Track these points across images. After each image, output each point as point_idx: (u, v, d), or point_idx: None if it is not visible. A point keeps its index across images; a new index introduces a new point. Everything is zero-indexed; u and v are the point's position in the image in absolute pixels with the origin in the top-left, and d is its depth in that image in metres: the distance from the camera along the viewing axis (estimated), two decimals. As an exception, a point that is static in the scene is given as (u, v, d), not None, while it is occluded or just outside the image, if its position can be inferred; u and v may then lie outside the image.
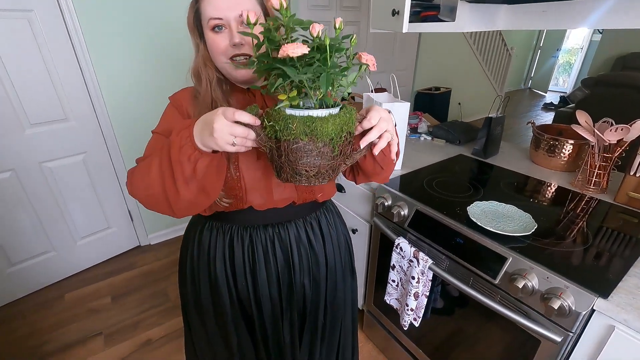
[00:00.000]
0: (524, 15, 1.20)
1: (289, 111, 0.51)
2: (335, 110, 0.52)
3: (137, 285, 1.97)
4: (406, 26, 1.13)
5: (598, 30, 5.41)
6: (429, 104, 3.90)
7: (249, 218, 0.74)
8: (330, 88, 0.52)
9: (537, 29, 1.23)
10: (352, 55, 0.53)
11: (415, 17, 1.32)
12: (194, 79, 0.69)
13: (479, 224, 0.93)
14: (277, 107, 0.52)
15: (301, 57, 0.48)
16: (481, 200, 1.05)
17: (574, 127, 1.11)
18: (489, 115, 1.39)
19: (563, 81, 6.96)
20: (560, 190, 1.17)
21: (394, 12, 1.16)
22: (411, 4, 1.21)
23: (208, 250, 0.77)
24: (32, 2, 1.53)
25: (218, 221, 0.77)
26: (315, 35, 0.49)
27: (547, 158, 1.32)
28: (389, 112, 0.62)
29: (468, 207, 1.01)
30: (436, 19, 1.28)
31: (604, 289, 0.72)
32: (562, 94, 5.85)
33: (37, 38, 1.58)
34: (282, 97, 0.52)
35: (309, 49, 0.47)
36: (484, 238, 0.91)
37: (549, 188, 1.18)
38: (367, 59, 0.54)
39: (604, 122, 1.09)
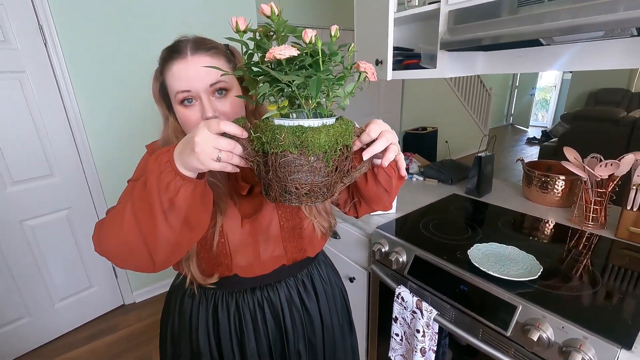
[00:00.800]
0: (501, 61, 1.26)
1: (277, 121, 0.45)
2: (329, 121, 0.47)
3: (120, 350, 1.80)
4: (390, 74, 1.18)
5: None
6: (418, 143, 3.99)
7: (234, 281, 0.68)
8: (325, 97, 0.48)
9: (513, 72, 1.28)
10: (350, 65, 0.50)
11: (398, 65, 1.38)
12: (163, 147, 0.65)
13: (482, 269, 0.88)
14: (265, 117, 0.47)
15: (290, 61, 0.45)
16: (481, 242, 1.01)
17: (564, 163, 1.11)
18: (478, 154, 1.41)
19: (542, 116, 7.30)
20: (559, 227, 1.14)
21: (378, 62, 1.21)
22: (393, 53, 1.27)
23: (190, 320, 0.70)
24: (25, 64, 1.57)
25: (201, 287, 0.70)
26: (307, 41, 0.45)
27: (540, 194, 1.31)
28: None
29: (469, 251, 0.96)
30: (418, 67, 1.34)
31: (626, 339, 0.66)
32: (543, 129, 6.10)
33: (27, 97, 1.59)
34: (271, 107, 0.48)
35: (298, 52, 0.43)
36: (489, 284, 0.85)
37: (548, 225, 1.16)
38: (366, 67, 0.50)
39: (593, 157, 1.09)
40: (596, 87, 4.99)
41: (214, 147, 0.45)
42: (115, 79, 1.80)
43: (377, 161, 0.58)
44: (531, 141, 5.67)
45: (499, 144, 5.64)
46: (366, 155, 0.51)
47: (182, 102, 0.59)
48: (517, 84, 6.96)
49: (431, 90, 4.24)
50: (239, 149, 0.48)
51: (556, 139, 3.54)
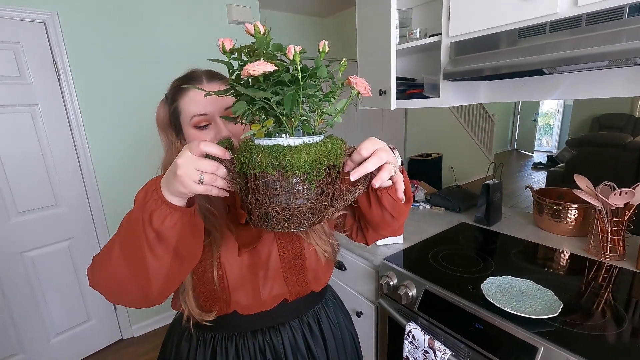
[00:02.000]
0: (503, 89, 1.27)
1: (257, 141, 0.44)
2: (313, 139, 0.44)
3: (115, 390, 1.71)
4: (394, 104, 1.18)
5: (569, 95, 5.87)
6: (423, 169, 3.98)
7: (234, 324, 0.64)
8: (312, 115, 0.46)
9: (516, 100, 1.29)
10: (342, 82, 0.48)
11: (401, 95, 1.39)
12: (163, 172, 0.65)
13: (497, 305, 0.83)
14: (244, 135, 0.45)
15: (268, 77, 0.43)
16: (494, 275, 0.96)
17: (576, 192, 1.08)
18: (486, 182, 1.38)
19: (546, 141, 7.29)
20: (575, 258, 1.09)
21: (381, 92, 1.22)
22: (397, 83, 1.29)
23: None
24: (38, 97, 1.61)
25: (199, 329, 0.66)
26: (291, 57, 0.44)
27: (553, 223, 1.27)
28: (393, 148, 0.55)
29: (482, 285, 0.91)
30: (422, 96, 1.35)
31: (663, 387, 0.60)
32: (548, 154, 6.06)
33: (37, 129, 1.63)
34: (255, 127, 0.46)
35: (274, 68, 0.41)
36: (506, 322, 0.80)
37: (563, 256, 1.11)
38: (357, 82, 0.48)
39: (606, 185, 1.06)
40: (599, 112, 5.00)
41: (196, 169, 0.43)
42: (125, 113, 1.85)
43: (385, 183, 0.54)
44: (537, 166, 5.62)
45: (505, 170, 5.59)
46: (353, 175, 0.47)
47: (197, 125, 0.60)
48: (519, 110, 7.04)
49: (434, 117, 4.30)
50: (222, 170, 0.46)
51: (563, 164, 3.51)
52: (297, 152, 0.42)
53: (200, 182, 0.44)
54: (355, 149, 0.49)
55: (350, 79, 0.49)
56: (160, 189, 0.47)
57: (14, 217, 1.61)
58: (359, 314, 1.28)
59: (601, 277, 0.97)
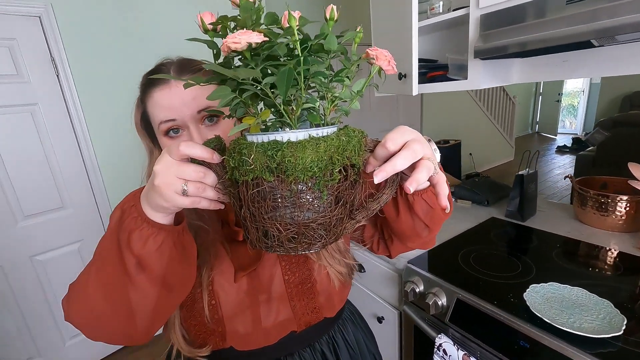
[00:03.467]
0: (542, 67, 1.11)
1: (249, 137, 0.34)
2: (321, 132, 0.34)
3: (131, 392, 1.69)
4: (416, 89, 1.05)
5: (596, 73, 5.51)
6: (441, 157, 3.81)
7: (233, 356, 0.55)
8: (320, 100, 0.36)
9: (557, 79, 1.13)
10: (358, 57, 0.37)
11: (422, 78, 1.25)
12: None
13: (546, 320, 0.71)
14: (233, 131, 0.36)
15: (257, 53, 0.32)
16: (537, 282, 0.84)
17: (632, 183, 0.94)
18: (519, 173, 1.24)
19: (570, 123, 6.92)
20: (629, 258, 0.95)
21: (401, 76, 1.09)
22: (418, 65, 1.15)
23: None
24: (37, 96, 1.55)
25: None
26: (287, 25, 0.33)
27: (599, 217, 1.13)
28: (429, 140, 0.43)
29: (525, 294, 0.80)
30: (445, 78, 1.21)
31: None
32: (573, 136, 5.75)
33: (39, 129, 1.57)
34: (248, 120, 0.36)
35: (263, 38, 0.31)
36: (558, 342, 0.68)
37: (614, 256, 0.97)
38: (378, 55, 0.37)
39: (667, 174, 0.92)
40: (630, 90, 4.67)
41: (177, 177, 0.35)
42: (128, 109, 1.76)
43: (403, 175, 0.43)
44: (562, 149, 5.34)
45: (526, 155, 5.35)
46: (378, 176, 0.35)
47: (166, 132, 0.51)
48: (541, 91, 6.67)
49: (452, 101, 4.08)
50: (210, 177, 0.37)
51: (593, 147, 3.27)
52: (300, 149, 0.32)
53: (184, 193, 0.35)
54: (379, 142, 0.38)
55: (370, 52, 0.38)
56: (140, 204, 0.38)
57: (21, 221, 1.57)
58: (380, 320, 1.19)
59: (663, 282, 0.84)
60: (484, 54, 0.91)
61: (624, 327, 0.67)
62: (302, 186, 0.33)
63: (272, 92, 0.34)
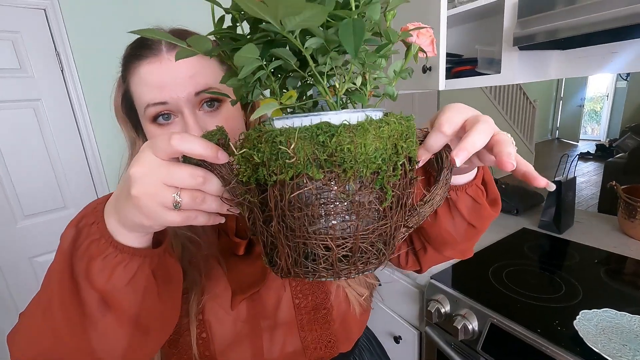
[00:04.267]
0: (583, 60, 0.99)
1: (279, 122, 0.26)
2: (376, 113, 0.27)
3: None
4: (443, 83, 0.94)
5: (621, 76, 5.28)
6: (456, 162, 3.66)
7: None
8: (361, 81, 0.28)
9: (603, 73, 1.00)
10: (393, 35, 0.29)
11: (446, 75, 1.14)
12: None
13: (605, 356, 0.59)
14: (257, 114, 0.27)
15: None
16: (587, 307, 0.71)
17: (702, 193, 0.80)
18: (556, 179, 1.11)
19: (592, 129, 6.66)
20: (694, 281, 0.81)
21: (425, 69, 0.98)
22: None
23: None
24: (41, 92, 1.49)
25: None
26: None
27: (650, 231, 0.99)
28: None
29: (575, 322, 0.67)
30: (472, 74, 1.10)
31: None
32: (597, 142, 5.51)
33: (41, 126, 1.51)
34: (267, 102, 0.28)
35: None
36: (624, 385, 0.56)
37: (676, 278, 0.83)
38: (419, 33, 0.30)
39: None
40: (661, 94, 4.45)
41: (165, 184, 0.26)
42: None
43: (461, 179, 0.36)
44: (585, 156, 5.12)
45: (547, 161, 5.14)
46: (459, 156, 0.27)
47: (154, 119, 0.41)
48: (562, 95, 6.45)
49: (469, 104, 3.94)
50: (213, 183, 0.28)
51: (623, 154, 3.08)
52: (361, 133, 0.24)
53: (176, 206, 0.26)
54: (426, 131, 0.30)
55: (410, 26, 0.30)
56: (105, 220, 0.29)
57: (21, 220, 1.51)
58: (397, 340, 1.07)
59: None
60: (524, 41, 0.80)
61: None
62: (360, 184, 0.25)
63: (312, 61, 0.26)
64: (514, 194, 1.34)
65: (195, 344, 0.40)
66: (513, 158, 0.27)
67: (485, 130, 0.27)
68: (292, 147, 0.24)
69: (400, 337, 1.06)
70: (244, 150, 0.26)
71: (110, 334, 0.30)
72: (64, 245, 0.30)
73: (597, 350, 0.60)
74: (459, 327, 0.78)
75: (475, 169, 0.38)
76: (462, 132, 0.29)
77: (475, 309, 0.79)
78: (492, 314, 0.76)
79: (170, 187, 0.26)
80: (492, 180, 0.40)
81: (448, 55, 1.21)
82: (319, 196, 0.25)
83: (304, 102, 0.30)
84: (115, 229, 0.29)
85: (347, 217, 0.26)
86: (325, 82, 0.28)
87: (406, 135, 0.27)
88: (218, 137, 0.28)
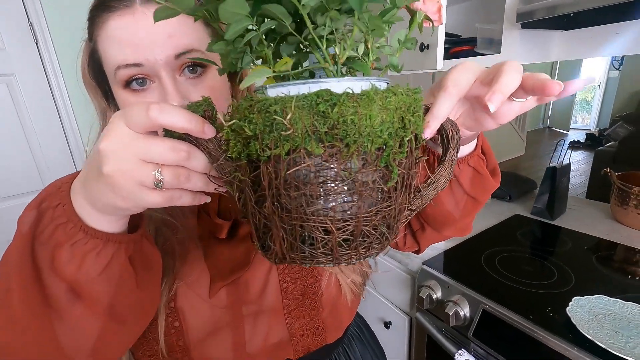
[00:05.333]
0: (587, 41, 0.95)
1: (272, 90, 0.23)
2: (380, 84, 0.25)
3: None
4: (441, 62, 0.90)
5: (614, 66, 5.29)
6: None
7: None
8: (363, 49, 0.26)
9: (603, 55, 0.97)
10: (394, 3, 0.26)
11: (445, 55, 1.10)
12: None
13: (599, 344, 0.58)
14: (247, 82, 0.24)
15: None
16: (580, 294, 0.70)
17: (699, 179, 0.79)
18: (551, 165, 1.09)
19: (582, 119, 6.73)
20: (685, 268, 0.81)
21: (423, 47, 0.93)
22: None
23: None
24: (14, 66, 1.40)
25: None
26: None
27: (643, 218, 0.98)
28: None
29: (568, 309, 0.66)
30: (471, 54, 1.05)
31: None
32: (586, 131, 5.57)
33: (16, 103, 1.43)
34: (257, 68, 0.25)
35: None
36: (616, 372, 0.55)
37: (667, 265, 0.83)
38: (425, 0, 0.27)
39: None
40: (652, 84, 4.49)
41: (143, 160, 0.23)
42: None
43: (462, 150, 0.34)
44: (575, 145, 5.18)
45: (538, 149, 5.19)
46: (493, 101, 0.24)
47: (127, 83, 0.35)
48: (554, 83, 6.48)
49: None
50: (199, 159, 0.25)
51: (613, 143, 3.11)
52: (365, 103, 0.22)
53: (158, 185, 0.23)
54: (428, 106, 0.27)
55: None
56: (72, 202, 0.26)
57: (-2, 202, 1.44)
58: (387, 325, 1.06)
59: None
60: (528, 17, 0.75)
61: (700, 358, 0.54)
62: (363, 160, 0.23)
63: (311, 21, 0.23)
64: (506, 180, 1.32)
65: (163, 334, 0.37)
66: (552, 85, 0.24)
67: (516, 68, 0.25)
68: (288, 118, 0.21)
69: (390, 323, 1.06)
70: (234, 121, 0.23)
71: (80, 326, 0.27)
72: (22, 229, 0.26)
73: (589, 337, 0.59)
74: (450, 313, 0.77)
75: (475, 140, 0.36)
76: (475, 91, 0.27)
77: (467, 295, 0.77)
78: (484, 300, 0.74)
79: (149, 164, 0.22)
80: (490, 149, 0.38)
81: (447, 35, 1.16)
82: (318, 174, 0.23)
83: (300, 71, 0.26)
84: (85, 212, 0.25)
85: (348, 197, 0.23)
86: (324, 47, 0.25)
87: (414, 108, 0.24)
88: (204, 109, 0.25)
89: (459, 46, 1.11)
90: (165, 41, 0.34)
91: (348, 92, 0.22)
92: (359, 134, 0.22)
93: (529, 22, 0.82)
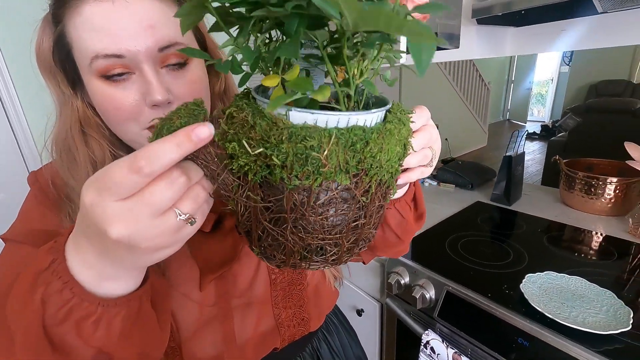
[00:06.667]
0: (536, 37, 1.02)
1: (298, 114, 0.22)
2: (389, 106, 0.27)
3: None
4: (404, 57, 0.93)
5: (565, 62, 5.65)
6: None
7: None
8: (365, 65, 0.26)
9: (551, 51, 1.04)
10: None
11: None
12: (56, 155, 0.38)
13: (547, 314, 0.64)
14: (274, 103, 0.22)
15: None
16: (532, 272, 0.76)
17: (631, 163, 0.88)
18: (508, 154, 1.17)
19: (538, 111, 7.17)
20: (622, 244, 0.90)
21: (386, 41, 0.96)
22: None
23: None
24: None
25: None
26: None
27: (586, 201, 1.08)
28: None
29: (521, 285, 0.72)
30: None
31: None
32: (541, 123, 5.93)
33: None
34: (269, 80, 0.23)
35: None
36: (561, 339, 0.61)
37: (607, 242, 0.92)
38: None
39: (665, 155, 0.86)
40: (596, 80, 4.84)
41: (160, 217, 0.22)
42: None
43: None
44: (531, 136, 5.51)
45: (498, 140, 5.47)
46: (403, 178, 0.30)
47: (106, 74, 0.33)
48: (513, 78, 6.82)
49: (429, 85, 4.04)
50: (195, 172, 0.24)
51: (564, 133, 3.34)
52: (387, 137, 0.24)
53: (192, 223, 0.24)
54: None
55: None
56: (80, 282, 0.24)
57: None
58: (359, 313, 1.09)
59: (657, 268, 0.79)
60: (482, 13, 0.80)
61: (631, 321, 0.60)
62: (375, 187, 0.25)
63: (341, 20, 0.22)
64: (469, 170, 1.40)
65: None
66: (406, 180, 0.31)
67: (422, 159, 0.30)
68: (325, 154, 0.21)
69: (362, 310, 1.09)
70: (261, 150, 0.22)
71: None
72: (32, 309, 0.24)
73: (540, 310, 0.65)
74: (417, 297, 0.80)
75: (407, 186, 0.40)
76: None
77: (433, 279, 0.82)
78: (448, 282, 0.79)
79: (166, 213, 0.22)
80: (421, 197, 0.44)
81: (409, 29, 1.19)
82: (343, 201, 0.24)
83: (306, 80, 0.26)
84: (99, 285, 0.24)
85: (359, 216, 0.26)
86: (348, 64, 0.23)
87: (409, 135, 0.27)
88: (202, 115, 0.24)
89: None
90: (146, 32, 0.32)
91: (379, 128, 0.23)
92: (380, 166, 0.24)
93: (484, 18, 0.87)
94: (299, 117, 0.22)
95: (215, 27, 0.25)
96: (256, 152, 0.22)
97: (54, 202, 0.37)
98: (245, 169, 0.23)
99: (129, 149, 0.38)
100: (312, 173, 0.22)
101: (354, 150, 0.22)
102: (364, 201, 0.25)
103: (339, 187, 0.23)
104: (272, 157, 0.21)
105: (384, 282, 0.98)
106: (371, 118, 0.24)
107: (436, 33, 1.12)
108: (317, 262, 0.26)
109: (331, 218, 0.24)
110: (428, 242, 0.97)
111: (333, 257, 0.27)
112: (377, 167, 0.23)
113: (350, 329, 0.63)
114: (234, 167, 0.23)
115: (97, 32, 0.32)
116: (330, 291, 0.51)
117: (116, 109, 0.34)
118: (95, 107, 0.37)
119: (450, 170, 1.40)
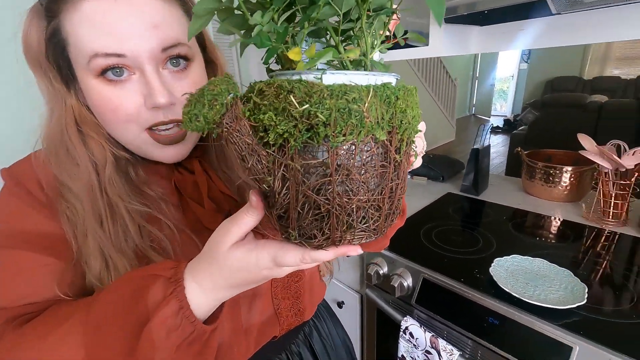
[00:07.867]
0: (498, 36, 1.09)
1: (330, 76, 0.23)
2: (397, 78, 0.29)
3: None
4: (377, 54, 0.95)
5: (524, 59, 6.01)
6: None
7: None
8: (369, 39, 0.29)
9: (512, 49, 1.12)
10: None
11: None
12: (50, 154, 0.36)
13: (514, 294, 0.69)
14: (306, 65, 0.26)
15: None
16: (500, 256, 0.82)
17: (584, 153, 0.96)
18: (475, 147, 1.23)
19: (500, 106, 7.59)
20: (576, 227, 0.98)
21: (359, 38, 0.98)
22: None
23: None
24: None
25: None
26: None
27: (545, 189, 1.16)
28: None
29: (490, 269, 0.77)
30: (405, 45, 1.13)
31: None
32: (504, 118, 6.30)
33: None
34: (293, 54, 0.25)
35: None
36: (527, 315, 0.66)
37: (564, 225, 1.00)
38: None
39: (612, 144, 0.95)
40: (551, 76, 5.20)
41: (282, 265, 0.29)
42: (18, 78, 1.42)
43: None
44: (495, 130, 5.82)
45: (465, 135, 5.72)
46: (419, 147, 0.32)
47: (102, 72, 0.32)
48: (477, 75, 7.17)
49: (401, 79, 4.16)
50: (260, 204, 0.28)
51: (525, 126, 3.56)
52: (410, 96, 0.26)
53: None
54: None
55: None
56: (192, 302, 0.30)
57: None
58: (340, 305, 1.12)
59: (613, 248, 0.87)
60: (448, 13, 0.84)
61: (586, 296, 0.67)
62: (405, 147, 0.27)
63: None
64: (440, 163, 1.46)
65: None
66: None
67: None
68: (366, 106, 0.22)
69: (343, 302, 1.11)
70: (306, 106, 0.22)
71: None
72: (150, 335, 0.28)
73: (507, 290, 0.70)
74: (395, 285, 0.84)
75: (421, 160, 0.42)
76: None
77: (409, 267, 0.85)
78: (424, 270, 0.82)
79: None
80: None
81: (381, 27, 1.23)
82: (378, 157, 0.25)
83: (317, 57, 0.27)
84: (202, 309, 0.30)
85: (395, 176, 0.26)
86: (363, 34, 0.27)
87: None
88: (225, 95, 0.24)
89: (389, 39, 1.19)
90: (150, 32, 0.31)
91: (404, 87, 0.25)
92: (408, 122, 0.25)
93: (451, 17, 0.92)
94: (332, 78, 0.23)
95: (224, 25, 0.26)
96: (302, 108, 0.22)
97: (46, 203, 0.35)
98: (285, 136, 0.23)
99: (118, 148, 0.38)
100: (355, 127, 0.23)
101: (387, 104, 0.24)
102: (397, 159, 0.26)
103: (378, 143, 0.25)
104: (317, 113, 0.22)
105: (363, 274, 1.01)
106: (393, 80, 0.26)
107: (406, 31, 1.16)
108: (361, 231, 0.26)
109: (372, 179, 0.25)
110: (404, 233, 1.00)
111: (375, 225, 0.26)
112: (406, 123, 0.25)
113: (334, 316, 0.65)
114: (269, 139, 0.23)
115: (97, 29, 0.31)
116: (321, 284, 0.54)
117: (114, 110, 0.33)
118: (90, 106, 0.36)
119: (422, 163, 1.45)
